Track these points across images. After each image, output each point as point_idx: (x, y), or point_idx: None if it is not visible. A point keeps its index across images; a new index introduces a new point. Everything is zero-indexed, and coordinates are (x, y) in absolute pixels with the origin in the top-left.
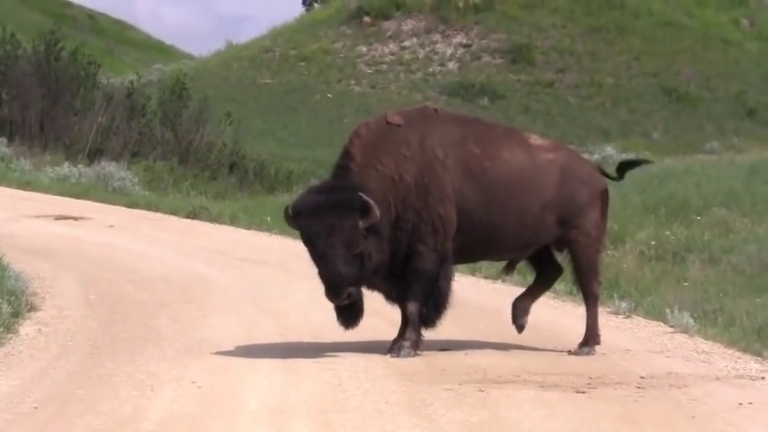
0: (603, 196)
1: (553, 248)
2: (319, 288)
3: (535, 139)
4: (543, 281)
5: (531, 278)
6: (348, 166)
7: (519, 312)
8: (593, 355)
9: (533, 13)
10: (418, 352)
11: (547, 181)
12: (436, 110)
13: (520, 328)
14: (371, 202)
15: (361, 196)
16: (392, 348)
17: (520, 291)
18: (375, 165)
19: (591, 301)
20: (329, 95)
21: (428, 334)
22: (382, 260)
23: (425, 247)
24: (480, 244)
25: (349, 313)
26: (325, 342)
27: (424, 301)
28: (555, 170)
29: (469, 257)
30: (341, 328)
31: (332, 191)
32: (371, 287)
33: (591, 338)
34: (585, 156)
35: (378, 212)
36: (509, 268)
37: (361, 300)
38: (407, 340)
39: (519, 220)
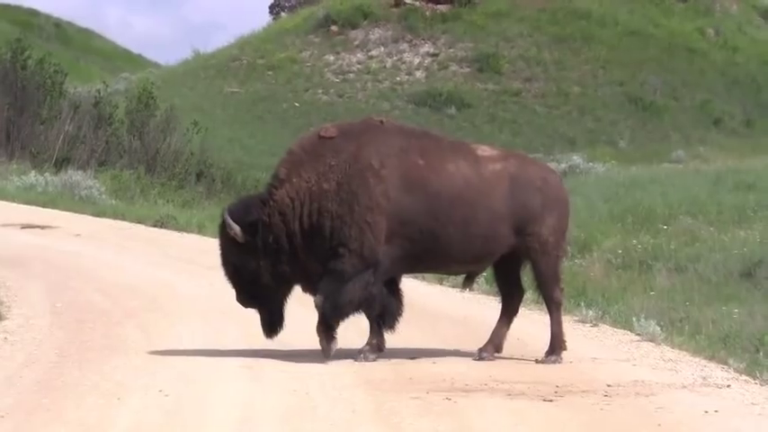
0: (561, 201)
1: (522, 258)
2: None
3: (483, 150)
4: (509, 310)
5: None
6: (270, 184)
7: (488, 349)
8: (560, 363)
9: (500, 22)
10: (335, 346)
11: (495, 192)
12: (381, 121)
13: (481, 359)
14: (228, 220)
15: (223, 213)
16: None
17: (487, 300)
18: (292, 179)
19: (554, 308)
20: (296, 104)
21: (396, 342)
22: (297, 271)
23: (346, 250)
24: (426, 253)
25: (263, 322)
26: (292, 351)
27: (330, 295)
28: (504, 181)
29: (419, 267)
30: (306, 336)
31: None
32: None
33: (557, 346)
34: (552, 165)
35: (236, 230)
36: (468, 281)
37: (277, 310)
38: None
39: (465, 231)
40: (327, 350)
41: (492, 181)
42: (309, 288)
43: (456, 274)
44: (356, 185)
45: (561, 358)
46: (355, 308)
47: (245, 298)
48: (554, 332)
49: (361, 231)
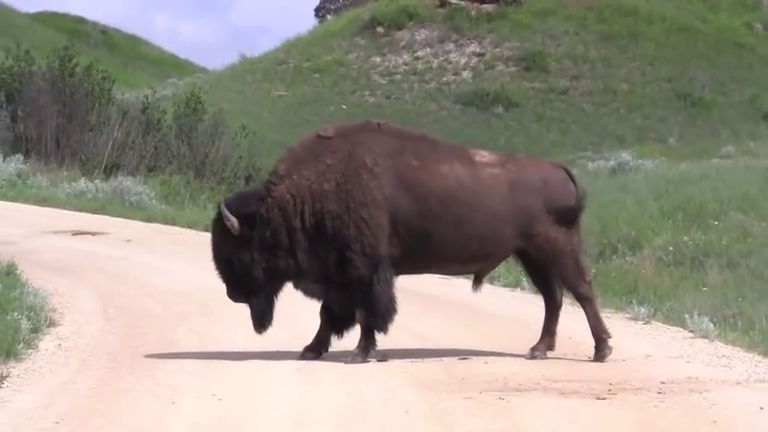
0: (566, 197)
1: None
2: None
3: (482, 156)
4: (552, 304)
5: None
6: (269, 180)
7: (541, 348)
8: (610, 355)
9: (546, 20)
10: (370, 358)
11: (491, 195)
12: (379, 124)
13: (533, 358)
14: (225, 212)
15: (219, 205)
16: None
17: (537, 299)
18: (292, 175)
19: (585, 303)
20: (344, 107)
21: (447, 343)
22: (292, 266)
23: (353, 254)
24: (421, 252)
25: (253, 315)
26: (343, 353)
27: (366, 307)
28: (501, 184)
29: (416, 267)
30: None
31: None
32: (309, 295)
33: (600, 339)
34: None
35: (233, 222)
36: (477, 281)
37: (267, 305)
38: (358, 347)
39: (457, 231)
40: (365, 354)
41: (489, 183)
42: (299, 285)
43: (458, 274)
44: (352, 184)
45: (611, 349)
46: (395, 305)
47: (236, 293)
48: (592, 326)
49: (358, 230)
